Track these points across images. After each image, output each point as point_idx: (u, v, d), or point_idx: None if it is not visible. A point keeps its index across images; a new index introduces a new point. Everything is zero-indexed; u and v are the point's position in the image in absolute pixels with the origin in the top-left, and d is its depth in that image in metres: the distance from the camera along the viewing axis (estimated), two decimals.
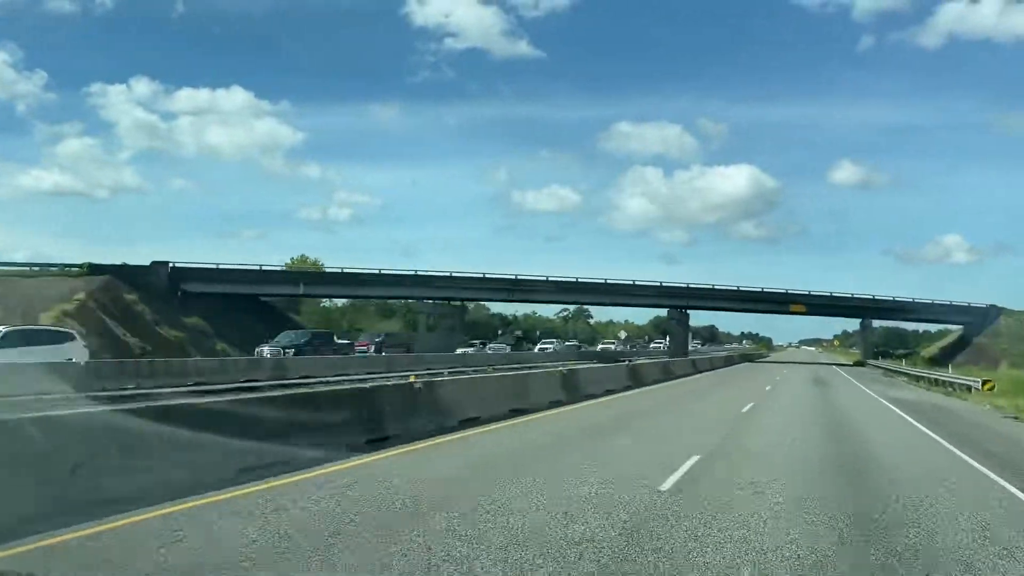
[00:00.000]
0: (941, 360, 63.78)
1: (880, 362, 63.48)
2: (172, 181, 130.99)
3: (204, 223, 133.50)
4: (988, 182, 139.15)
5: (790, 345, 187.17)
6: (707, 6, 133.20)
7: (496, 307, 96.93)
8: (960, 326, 74.28)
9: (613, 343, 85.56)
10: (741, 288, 68.08)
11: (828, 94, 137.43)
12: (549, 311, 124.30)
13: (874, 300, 69.61)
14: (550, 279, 62.91)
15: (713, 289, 68.04)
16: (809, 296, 68.55)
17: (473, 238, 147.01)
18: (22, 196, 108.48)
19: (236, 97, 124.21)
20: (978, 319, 68.95)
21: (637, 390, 24.63)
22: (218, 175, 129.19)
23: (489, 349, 52.79)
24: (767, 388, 28.19)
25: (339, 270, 56.08)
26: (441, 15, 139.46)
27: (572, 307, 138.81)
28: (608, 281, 65.38)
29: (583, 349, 70.23)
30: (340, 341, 35.65)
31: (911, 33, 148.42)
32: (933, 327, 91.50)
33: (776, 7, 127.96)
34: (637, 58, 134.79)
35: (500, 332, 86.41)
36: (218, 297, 52.33)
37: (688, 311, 71.11)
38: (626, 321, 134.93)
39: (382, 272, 56.89)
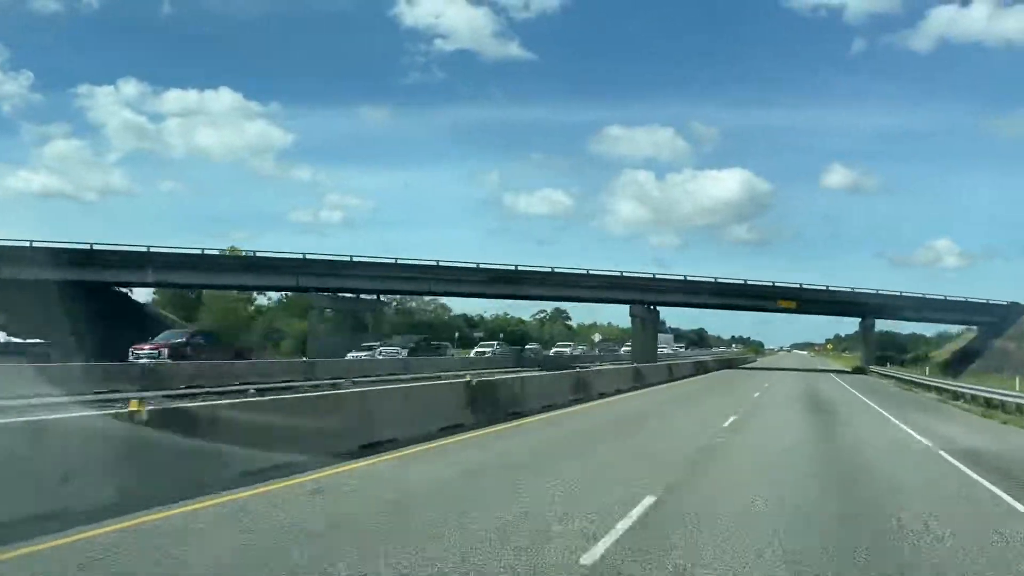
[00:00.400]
0: (955, 366, 53.18)
1: (888, 369, 51.67)
2: (161, 183, 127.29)
3: (194, 225, 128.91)
4: (979, 186, 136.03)
5: (781, 349, 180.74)
6: (699, 9, 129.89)
7: (460, 307, 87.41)
8: (966, 326, 64.72)
9: (569, 347, 73.62)
10: (719, 280, 56.28)
11: (820, 97, 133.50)
12: (526, 312, 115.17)
13: (878, 295, 58.26)
14: (481, 266, 50.75)
15: (685, 281, 56.17)
16: (801, 290, 56.93)
17: (466, 241, 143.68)
18: (11, 197, 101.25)
19: (225, 98, 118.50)
20: (996, 319, 57.31)
21: (468, 435, 12.54)
22: (207, 177, 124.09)
23: (380, 354, 40.57)
24: (727, 422, 16.13)
25: (198, 252, 43.36)
26: (431, 16, 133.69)
27: (549, 308, 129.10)
28: (555, 270, 53.47)
29: (526, 353, 57.96)
30: (15, 340, 22.69)
31: (902, 36, 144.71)
32: (929, 330, 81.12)
33: (768, 10, 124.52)
34: (629, 61, 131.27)
35: (478, 334, 74.65)
36: (53, 285, 39.77)
37: (658, 307, 59.29)
38: (609, 323, 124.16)
39: (256, 254, 44.59)
